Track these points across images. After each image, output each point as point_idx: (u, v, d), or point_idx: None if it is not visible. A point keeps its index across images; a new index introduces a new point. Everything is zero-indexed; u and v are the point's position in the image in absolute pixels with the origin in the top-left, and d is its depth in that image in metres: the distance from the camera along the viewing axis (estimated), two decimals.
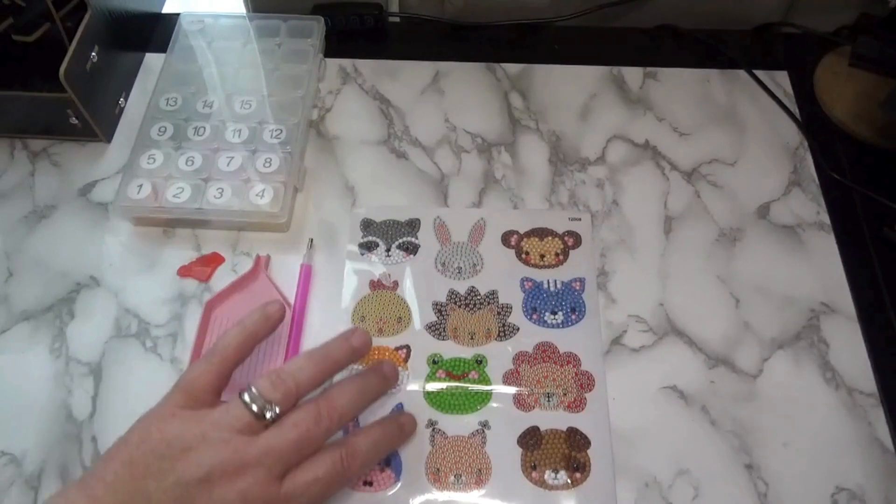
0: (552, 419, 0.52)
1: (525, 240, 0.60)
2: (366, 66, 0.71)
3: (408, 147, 0.66)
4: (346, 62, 0.71)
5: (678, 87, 0.69)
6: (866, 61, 0.62)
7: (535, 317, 0.56)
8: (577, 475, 0.50)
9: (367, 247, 0.59)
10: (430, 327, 0.56)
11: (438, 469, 0.50)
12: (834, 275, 0.58)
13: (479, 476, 0.50)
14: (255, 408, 0.42)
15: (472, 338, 0.55)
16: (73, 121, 0.62)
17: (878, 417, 0.52)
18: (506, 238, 0.60)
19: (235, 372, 0.54)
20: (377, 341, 0.55)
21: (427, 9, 0.74)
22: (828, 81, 0.69)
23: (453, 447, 0.51)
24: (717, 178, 0.64)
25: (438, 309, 0.57)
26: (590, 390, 0.53)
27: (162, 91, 0.65)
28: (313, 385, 0.45)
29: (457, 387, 0.53)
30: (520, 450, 0.51)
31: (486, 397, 0.53)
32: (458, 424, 0.52)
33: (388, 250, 0.59)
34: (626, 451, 0.51)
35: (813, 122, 0.67)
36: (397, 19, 0.75)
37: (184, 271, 0.58)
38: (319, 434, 0.43)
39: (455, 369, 0.54)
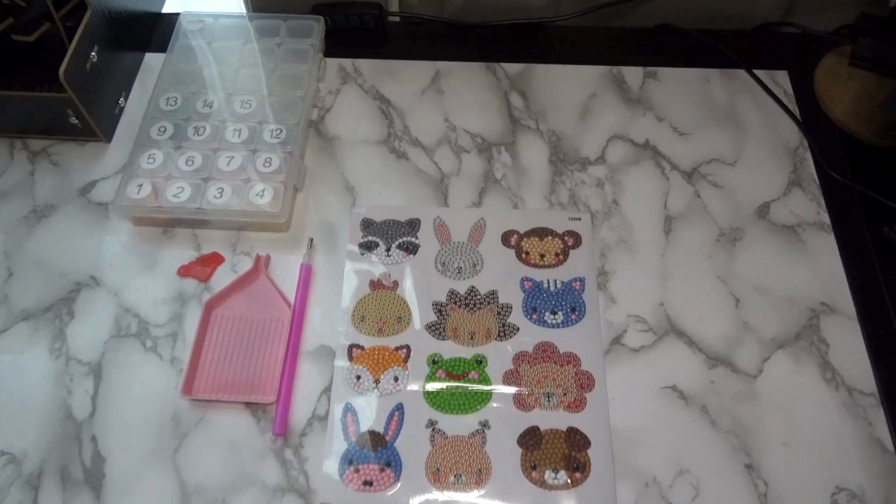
0: (552, 419, 0.52)
1: (525, 240, 0.60)
2: (366, 66, 0.71)
3: (408, 147, 0.66)
4: (346, 62, 0.71)
5: (678, 87, 0.69)
6: (866, 61, 0.62)
7: (535, 317, 0.56)
8: (577, 475, 0.50)
9: (367, 247, 0.59)
10: (430, 327, 0.56)
11: (438, 469, 0.50)
12: (834, 275, 0.58)
13: (479, 476, 0.50)
14: None
15: (472, 338, 0.55)
16: (73, 121, 0.62)
17: (878, 417, 0.52)
18: (506, 238, 0.60)
19: (237, 369, 0.54)
20: (377, 341, 0.55)
21: (427, 9, 0.74)
22: (828, 81, 0.69)
23: (453, 447, 0.51)
24: (717, 178, 0.64)
25: (438, 309, 0.57)
26: (590, 390, 0.53)
27: (162, 91, 0.65)
28: None
29: (457, 387, 0.53)
30: (520, 450, 0.51)
31: (486, 397, 0.53)
32: (458, 424, 0.52)
33: (388, 250, 0.59)
34: (626, 451, 0.51)
35: (813, 122, 0.67)
36: (397, 19, 0.75)
37: (184, 271, 0.58)
38: None
39: (455, 369, 0.54)
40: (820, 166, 0.64)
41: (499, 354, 0.55)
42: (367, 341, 0.55)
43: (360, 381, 0.53)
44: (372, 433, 0.51)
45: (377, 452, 0.50)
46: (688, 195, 0.63)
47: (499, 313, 0.56)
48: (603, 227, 0.61)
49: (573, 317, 0.56)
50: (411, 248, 0.59)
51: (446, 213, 0.61)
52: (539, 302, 0.57)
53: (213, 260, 0.59)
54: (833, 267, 0.59)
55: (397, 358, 0.54)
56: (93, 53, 0.61)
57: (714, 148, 0.65)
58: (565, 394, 0.53)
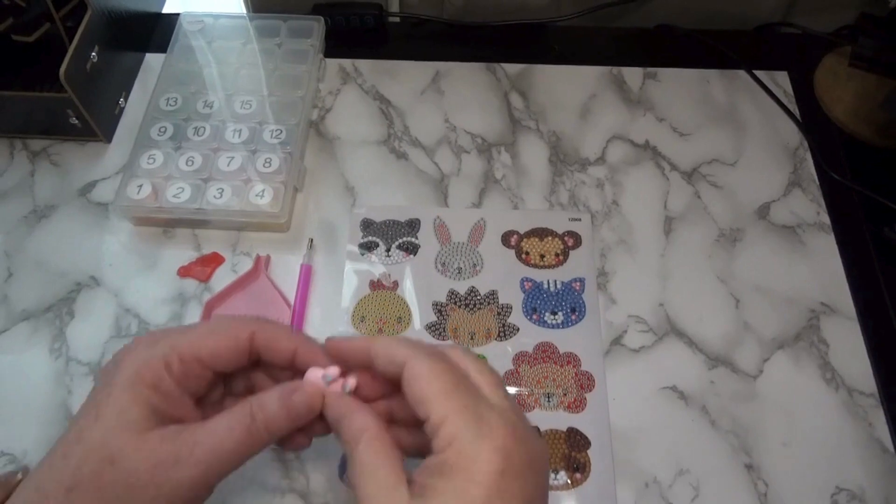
0: (552, 419, 0.52)
1: (525, 240, 0.60)
2: (366, 66, 0.71)
3: (408, 147, 0.66)
4: (346, 62, 0.71)
5: (678, 87, 0.69)
6: (866, 61, 0.62)
7: (535, 317, 0.56)
8: (577, 475, 0.50)
9: (367, 247, 0.59)
10: (430, 327, 0.56)
11: None
12: (834, 275, 0.58)
13: None
14: None
15: (472, 338, 0.55)
16: (73, 121, 0.62)
17: (878, 417, 0.52)
18: (506, 238, 0.60)
19: None
20: None
21: (427, 9, 0.74)
22: (828, 81, 0.69)
23: None
24: (717, 178, 0.64)
25: (438, 309, 0.56)
26: (590, 390, 0.53)
27: (162, 91, 0.65)
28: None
29: None
30: None
31: None
32: None
33: (388, 250, 0.59)
34: (626, 451, 0.51)
35: (813, 122, 0.67)
36: (397, 19, 0.75)
37: (184, 271, 0.58)
38: None
39: None
40: (820, 166, 0.64)
41: (499, 355, 0.54)
42: None
43: None
44: None
45: None
46: (688, 195, 0.63)
47: (499, 313, 0.56)
48: (603, 228, 0.61)
49: (573, 317, 0.56)
50: (411, 249, 0.59)
51: (446, 214, 0.61)
52: (539, 302, 0.57)
53: (213, 260, 0.59)
54: (833, 267, 0.59)
55: None
56: (93, 53, 0.61)
57: (714, 148, 0.65)
58: (565, 394, 0.53)
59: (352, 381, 0.37)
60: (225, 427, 0.34)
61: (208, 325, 0.37)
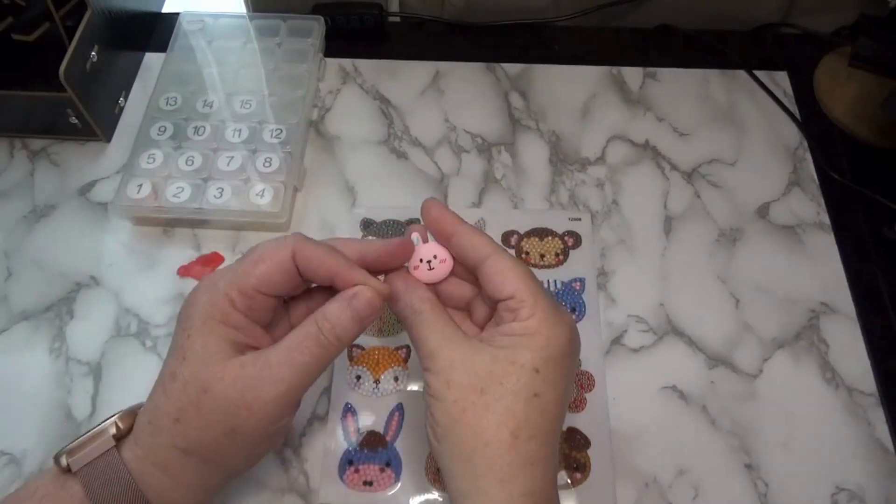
0: None
1: (525, 240, 0.60)
2: (366, 66, 0.71)
3: (408, 147, 0.66)
4: (346, 62, 0.71)
5: (678, 87, 0.69)
6: (866, 61, 0.62)
7: None
8: (577, 475, 0.50)
9: None
10: None
11: (438, 469, 0.50)
12: (834, 275, 0.58)
13: None
14: None
15: None
16: (73, 120, 0.62)
17: (878, 417, 0.52)
18: (506, 238, 0.60)
19: None
20: (377, 342, 0.55)
21: (427, 9, 0.74)
22: (828, 82, 0.69)
23: None
24: (717, 178, 0.64)
25: None
26: (590, 390, 0.53)
27: (162, 91, 0.65)
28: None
29: None
30: None
31: None
32: None
33: None
34: (626, 451, 0.51)
35: (813, 122, 0.67)
36: (397, 19, 0.75)
37: (184, 271, 0.58)
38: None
39: None
40: (820, 166, 0.64)
41: None
42: (367, 341, 0.55)
43: (360, 381, 0.53)
44: (372, 433, 0.51)
45: (377, 452, 0.50)
46: (688, 195, 0.63)
47: None
48: (603, 227, 0.61)
49: (573, 317, 0.56)
50: None
51: None
52: None
53: (213, 260, 0.59)
54: (833, 267, 0.59)
55: (397, 358, 0.54)
56: (93, 53, 0.61)
57: (714, 148, 0.65)
58: None
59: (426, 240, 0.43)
60: (296, 343, 0.38)
61: (255, 252, 0.40)
